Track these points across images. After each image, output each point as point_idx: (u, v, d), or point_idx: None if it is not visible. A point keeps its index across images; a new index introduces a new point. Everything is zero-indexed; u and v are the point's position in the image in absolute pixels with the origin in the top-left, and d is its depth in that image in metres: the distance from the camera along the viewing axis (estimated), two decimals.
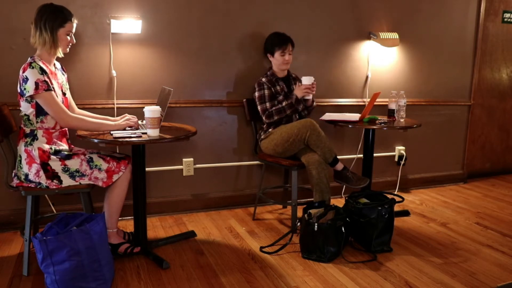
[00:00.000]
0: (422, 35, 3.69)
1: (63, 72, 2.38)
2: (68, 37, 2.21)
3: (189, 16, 2.93)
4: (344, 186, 3.56)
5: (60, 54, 2.22)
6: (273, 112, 2.86)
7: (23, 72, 2.07)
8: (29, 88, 2.06)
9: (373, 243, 2.50)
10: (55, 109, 2.11)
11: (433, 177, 4.02)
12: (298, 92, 2.86)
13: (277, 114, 2.86)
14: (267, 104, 2.88)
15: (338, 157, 2.77)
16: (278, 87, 2.94)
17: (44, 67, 2.12)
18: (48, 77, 2.11)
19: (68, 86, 2.40)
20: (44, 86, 2.06)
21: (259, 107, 2.91)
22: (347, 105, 3.48)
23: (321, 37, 3.32)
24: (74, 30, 2.24)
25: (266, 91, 2.90)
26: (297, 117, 2.98)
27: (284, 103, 2.86)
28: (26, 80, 2.06)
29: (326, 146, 2.70)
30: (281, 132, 2.80)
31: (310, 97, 2.90)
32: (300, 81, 2.94)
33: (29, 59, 2.13)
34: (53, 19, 2.13)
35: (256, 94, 2.92)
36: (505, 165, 4.52)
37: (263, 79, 2.93)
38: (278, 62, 2.94)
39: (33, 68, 2.06)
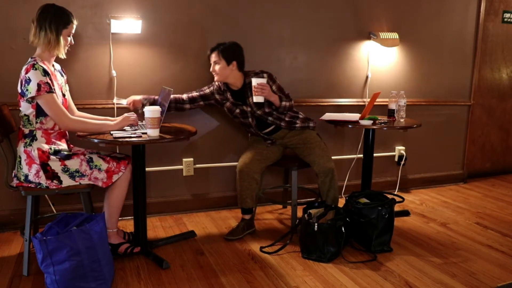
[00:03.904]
0: (422, 35, 3.69)
1: (63, 74, 2.38)
2: (69, 38, 2.22)
3: (189, 16, 2.93)
4: (344, 186, 3.56)
5: (63, 55, 2.22)
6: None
7: (26, 73, 2.07)
8: (31, 89, 2.05)
9: (373, 243, 2.50)
10: (56, 111, 2.11)
11: (433, 177, 4.02)
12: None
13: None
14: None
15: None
16: (224, 95, 2.77)
17: (46, 68, 2.12)
18: (50, 79, 2.11)
19: (67, 88, 2.40)
20: (46, 88, 2.06)
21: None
22: (347, 105, 3.48)
23: (321, 37, 3.31)
24: (73, 31, 2.25)
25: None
26: (276, 122, 2.78)
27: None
28: (28, 81, 2.06)
29: (241, 193, 2.69)
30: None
31: (261, 99, 2.59)
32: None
33: (30, 59, 2.13)
34: (58, 20, 2.14)
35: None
36: (505, 165, 4.52)
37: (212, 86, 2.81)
38: None
39: (36, 69, 2.06)
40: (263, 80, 2.58)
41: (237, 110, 2.76)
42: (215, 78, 2.71)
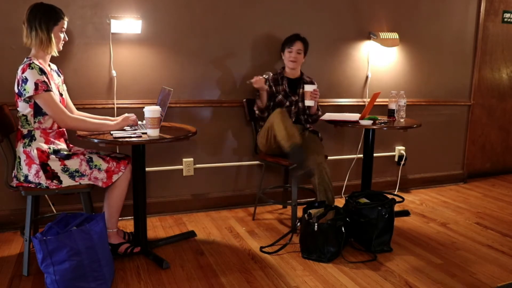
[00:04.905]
0: (422, 35, 3.69)
1: (59, 74, 2.38)
2: (62, 35, 2.22)
3: (189, 16, 2.93)
4: (344, 186, 3.56)
5: (55, 53, 2.23)
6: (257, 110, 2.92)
7: (23, 73, 2.07)
8: (29, 89, 2.05)
9: (373, 243, 2.50)
10: (55, 109, 2.11)
11: (433, 177, 4.02)
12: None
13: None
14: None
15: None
16: (280, 87, 2.94)
17: (42, 67, 2.11)
18: (47, 78, 2.11)
19: (65, 88, 2.40)
20: (44, 86, 2.06)
21: None
22: (347, 105, 3.48)
23: (321, 37, 3.31)
24: (65, 27, 2.25)
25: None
26: (303, 122, 3.01)
27: (260, 104, 2.85)
28: (25, 81, 2.06)
29: (288, 133, 2.57)
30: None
31: (312, 103, 2.85)
32: (309, 83, 2.98)
33: (26, 59, 2.13)
34: (47, 18, 2.14)
35: None
36: (505, 165, 4.52)
37: None
38: (286, 59, 2.96)
39: (32, 68, 2.06)
40: (315, 87, 2.82)
41: (287, 103, 2.95)
42: (291, 65, 2.92)
